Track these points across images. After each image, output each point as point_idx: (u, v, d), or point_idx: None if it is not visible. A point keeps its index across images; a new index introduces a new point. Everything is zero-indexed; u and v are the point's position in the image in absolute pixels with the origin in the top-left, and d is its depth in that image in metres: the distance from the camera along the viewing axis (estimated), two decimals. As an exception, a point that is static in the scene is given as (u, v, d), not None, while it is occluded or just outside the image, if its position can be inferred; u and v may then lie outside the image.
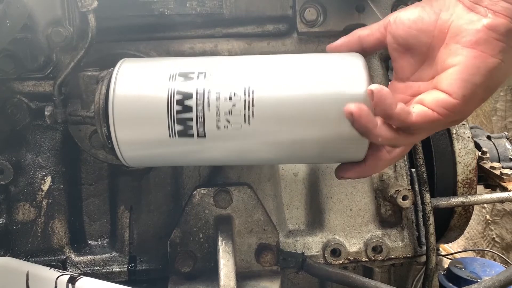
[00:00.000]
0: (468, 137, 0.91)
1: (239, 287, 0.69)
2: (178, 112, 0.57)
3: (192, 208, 0.75)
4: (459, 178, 0.90)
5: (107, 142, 0.60)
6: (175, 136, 0.58)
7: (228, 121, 0.57)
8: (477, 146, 0.99)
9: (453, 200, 0.86)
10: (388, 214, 0.85)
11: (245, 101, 0.56)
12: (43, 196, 0.79)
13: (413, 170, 0.87)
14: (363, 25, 0.77)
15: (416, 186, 0.86)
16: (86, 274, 0.78)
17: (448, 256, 1.34)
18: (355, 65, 0.58)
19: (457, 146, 0.90)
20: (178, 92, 0.57)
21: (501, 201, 0.87)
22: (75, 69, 0.68)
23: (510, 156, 1.01)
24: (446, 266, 1.10)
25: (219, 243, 0.71)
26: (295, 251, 0.81)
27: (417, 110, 0.52)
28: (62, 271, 0.67)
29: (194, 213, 0.75)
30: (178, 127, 0.57)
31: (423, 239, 0.85)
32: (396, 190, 0.81)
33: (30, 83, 0.74)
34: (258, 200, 0.76)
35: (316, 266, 0.78)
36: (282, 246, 0.81)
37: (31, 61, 0.70)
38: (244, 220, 0.76)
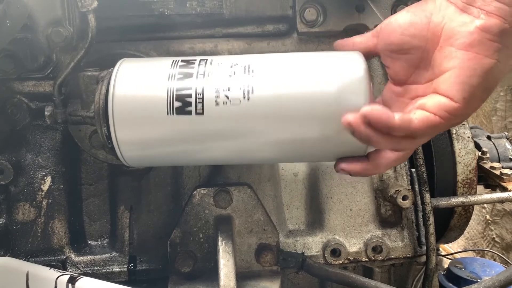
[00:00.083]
0: (468, 137, 0.91)
1: (239, 287, 0.69)
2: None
3: (192, 208, 0.75)
4: (459, 178, 0.90)
5: (107, 142, 0.60)
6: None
7: (227, 97, 0.56)
8: (477, 146, 0.99)
9: (453, 200, 0.86)
10: (388, 214, 0.85)
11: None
12: (43, 196, 0.79)
13: (413, 170, 0.87)
14: (363, 25, 0.78)
15: (416, 186, 0.86)
16: (86, 274, 0.78)
17: (448, 256, 1.34)
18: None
19: (457, 146, 0.90)
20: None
21: (501, 201, 0.87)
22: (75, 69, 0.68)
23: (510, 156, 1.01)
24: (446, 266, 1.10)
25: (219, 243, 0.71)
26: (295, 251, 0.81)
27: (419, 115, 0.52)
28: (62, 271, 0.67)
29: (194, 213, 0.75)
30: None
31: (423, 239, 0.85)
32: (396, 190, 0.81)
33: (30, 83, 0.74)
34: (258, 200, 0.76)
35: (316, 266, 0.78)
36: (282, 246, 0.81)
37: (31, 61, 0.70)
38: (244, 220, 0.76)
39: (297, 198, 0.85)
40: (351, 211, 0.84)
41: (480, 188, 0.97)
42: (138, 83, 0.59)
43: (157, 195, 0.83)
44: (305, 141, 0.58)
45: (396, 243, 0.84)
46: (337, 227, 0.84)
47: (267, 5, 0.79)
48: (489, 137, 1.05)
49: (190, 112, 0.57)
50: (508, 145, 1.03)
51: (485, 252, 1.77)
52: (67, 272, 0.66)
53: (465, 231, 1.01)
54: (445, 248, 1.82)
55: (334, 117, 0.56)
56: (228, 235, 0.72)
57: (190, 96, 0.57)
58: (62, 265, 0.79)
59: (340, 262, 0.82)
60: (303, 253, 0.80)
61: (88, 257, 0.81)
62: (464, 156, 0.90)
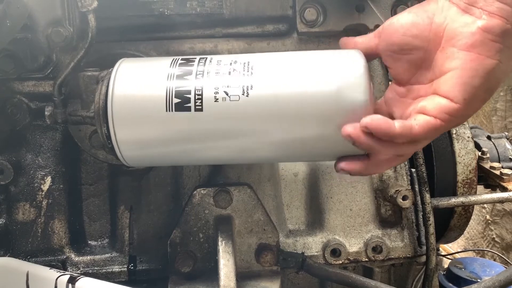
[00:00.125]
0: (468, 137, 0.91)
1: (239, 287, 0.69)
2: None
3: (192, 208, 0.75)
4: (459, 178, 0.90)
5: (107, 142, 0.60)
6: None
7: (226, 93, 0.57)
8: (477, 146, 0.99)
9: (453, 200, 0.86)
10: (388, 214, 0.85)
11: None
12: (43, 196, 0.79)
13: (413, 170, 0.87)
14: (363, 25, 0.78)
15: (416, 186, 0.86)
16: (86, 274, 0.78)
17: (448, 256, 1.34)
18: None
19: (457, 146, 0.90)
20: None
21: (501, 201, 0.87)
22: (75, 69, 0.68)
23: (510, 156, 1.01)
24: (446, 266, 1.10)
25: (219, 243, 0.71)
26: (295, 251, 0.81)
27: (419, 121, 0.52)
28: (62, 271, 0.67)
29: (194, 213, 0.75)
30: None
31: (423, 239, 0.85)
32: (396, 190, 0.81)
33: (30, 83, 0.74)
34: (258, 200, 0.76)
35: (316, 266, 0.78)
36: (282, 246, 0.81)
37: (31, 61, 0.70)
38: (244, 220, 0.76)
39: (297, 198, 0.85)
40: (351, 211, 0.84)
41: (480, 188, 0.97)
42: (138, 83, 0.59)
43: (157, 195, 0.83)
44: (305, 140, 0.58)
45: (396, 243, 0.84)
46: (337, 227, 0.84)
47: (267, 5, 0.79)
48: (489, 137, 1.05)
49: (189, 109, 0.57)
50: (508, 145, 1.03)
51: (485, 252, 1.77)
52: (67, 272, 0.66)
53: (465, 231, 1.01)
54: (445, 248, 1.82)
55: (334, 116, 0.56)
56: (228, 235, 0.72)
57: (189, 93, 0.57)
58: (62, 265, 0.79)
59: (340, 262, 0.82)
60: (303, 253, 0.80)
61: (88, 257, 0.81)
62: (464, 156, 0.90)
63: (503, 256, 1.43)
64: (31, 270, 0.67)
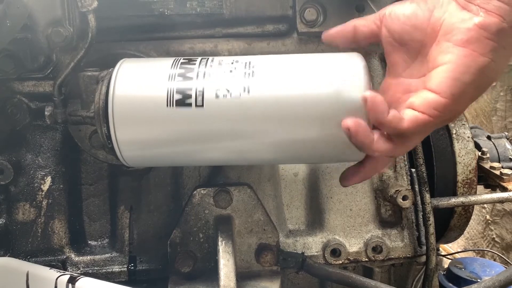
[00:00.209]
0: (468, 137, 0.91)
1: (239, 287, 0.69)
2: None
3: (192, 208, 0.75)
4: (459, 178, 0.90)
5: (107, 142, 0.60)
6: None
7: (228, 90, 0.57)
8: (477, 146, 0.99)
9: (453, 200, 0.86)
10: (388, 214, 0.85)
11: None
12: (43, 196, 0.79)
13: (413, 170, 0.87)
14: (363, 25, 0.78)
15: (416, 186, 0.86)
16: (86, 274, 0.78)
17: (448, 256, 1.34)
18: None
19: (457, 146, 0.90)
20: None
21: (501, 201, 0.87)
22: (75, 69, 0.68)
23: (510, 156, 1.01)
24: (446, 266, 1.10)
25: (219, 243, 0.71)
26: (295, 251, 0.81)
27: (407, 116, 0.52)
28: (62, 271, 0.67)
29: (194, 213, 0.75)
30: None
31: (423, 239, 0.85)
32: (396, 190, 0.81)
33: (30, 83, 0.74)
34: (258, 200, 0.76)
35: (316, 266, 0.78)
36: (282, 246, 0.81)
37: (31, 61, 0.70)
38: (244, 220, 0.76)
39: (297, 198, 0.85)
40: (351, 211, 0.84)
41: (480, 188, 0.96)
42: (139, 83, 0.59)
43: (157, 195, 0.83)
44: (305, 142, 0.58)
45: (396, 243, 0.84)
46: (337, 227, 0.84)
47: (267, 5, 0.79)
48: (489, 137, 1.05)
49: (190, 105, 0.57)
50: (508, 145, 1.03)
51: (485, 252, 1.77)
52: (67, 272, 0.66)
53: (465, 231, 1.01)
54: (445, 248, 1.82)
55: (334, 117, 0.56)
56: (228, 235, 0.72)
57: (190, 90, 0.57)
58: (62, 265, 0.79)
59: (340, 262, 0.82)
60: (303, 253, 0.80)
61: (88, 257, 0.81)
62: (464, 156, 0.90)
63: (503, 256, 1.43)
64: (31, 270, 0.67)
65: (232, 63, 0.59)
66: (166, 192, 0.83)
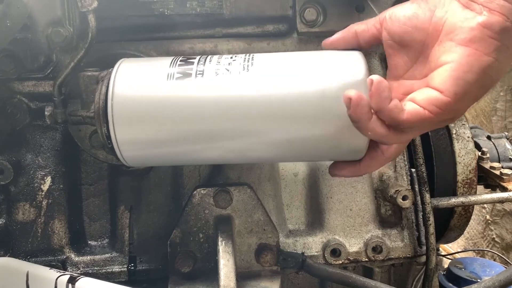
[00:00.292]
0: (468, 137, 0.91)
1: (239, 287, 0.69)
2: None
3: (192, 208, 0.75)
4: (459, 178, 0.90)
5: (107, 142, 0.60)
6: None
7: (227, 70, 0.58)
8: (477, 146, 0.99)
9: (453, 200, 0.86)
10: (388, 214, 0.85)
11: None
12: (43, 196, 0.79)
13: (413, 170, 0.87)
14: (363, 25, 0.78)
15: (416, 186, 0.86)
16: (86, 274, 0.78)
17: (448, 256, 1.34)
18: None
19: (457, 146, 0.90)
20: None
21: (501, 201, 0.87)
22: (75, 69, 0.68)
23: (510, 156, 1.01)
24: (446, 266, 1.10)
25: (219, 243, 0.71)
26: (295, 251, 0.81)
27: (408, 108, 0.52)
28: (62, 271, 0.67)
29: (194, 213, 0.75)
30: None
31: (423, 239, 0.85)
32: (396, 190, 0.81)
33: (30, 83, 0.74)
34: (258, 200, 0.76)
35: (316, 266, 0.78)
36: (282, 246, 0.81)
37: (31, 61, 0.70)
38: (244, 220, 0.76)
39: (297, 198, 0.85)
40: (351, 211, 0.84)
41: (480, 188, 0.96)
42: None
43: (157, 195, 0.83)
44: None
45: (396, 243, 0.84)
46: (337, 227, 0.84)
47: (267, 5, 0.79)
48: (489, 137, 1.05)
49: (189, 75, 0.58)
50: (508, 145, 1.03)
51: (485, 252, 1.77)
52: (67, 272, 0.66)
53: (465, 231, 1.01)
54: (445, 248, 1.82)
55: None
56: (228, 235, 0.72)
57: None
58: (62, 265, 0.79)
59: (340, 262, 0.82)
60: (303, 253, 0.80)
61: (88, 257, 0.81)
62: (464, 156, 0.90)
63: (503, 256, 1.43)
64: (31, 270, 0.67)
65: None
66: (166, 192, 0.83)
